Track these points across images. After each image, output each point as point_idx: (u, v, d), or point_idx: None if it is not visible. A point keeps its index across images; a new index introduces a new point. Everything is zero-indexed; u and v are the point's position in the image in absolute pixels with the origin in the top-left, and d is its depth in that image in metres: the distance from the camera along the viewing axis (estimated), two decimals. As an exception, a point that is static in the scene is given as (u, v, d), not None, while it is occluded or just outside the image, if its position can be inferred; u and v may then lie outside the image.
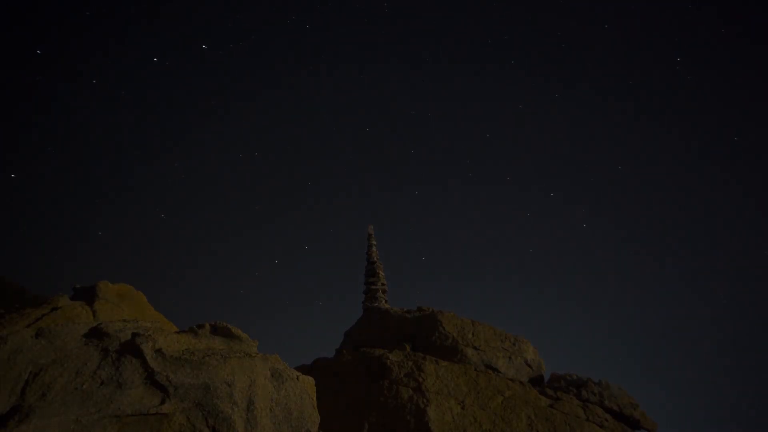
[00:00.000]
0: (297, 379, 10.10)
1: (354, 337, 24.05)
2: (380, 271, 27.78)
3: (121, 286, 14.55)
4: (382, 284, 27.48)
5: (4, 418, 7.63)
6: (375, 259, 28.18)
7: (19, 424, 7.43)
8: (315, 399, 10.34)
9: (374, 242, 28.70)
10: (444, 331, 20.33)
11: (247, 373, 9.17)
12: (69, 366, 8.52)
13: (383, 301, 26.86)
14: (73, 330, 9.35)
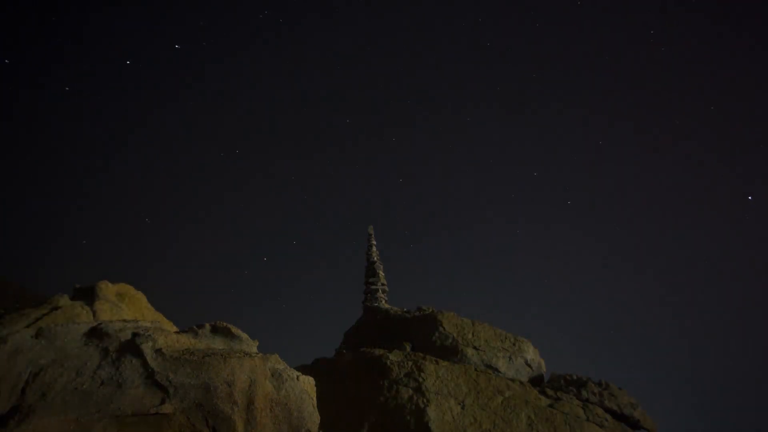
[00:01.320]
0: (297, 379, 10.10)
1: (354, 337, 24.06)
2: (380, 271, 27.78)
3: (121, 286, 14.53)
4: (382, 284, 27.48)
5: (4, 418, 7.63)
6: (375, 258, 28.19)
7: (19, 424, 7.43)
8: (315, 399, 10.33)
9: (374, 242, 28.71)
10: (444, 331, 20.33)
11: (247, 373, 9.17)
12: (69, 366, 8.52)
13: (383, 301, 26.86)
14: (73, 330, 9.35)
